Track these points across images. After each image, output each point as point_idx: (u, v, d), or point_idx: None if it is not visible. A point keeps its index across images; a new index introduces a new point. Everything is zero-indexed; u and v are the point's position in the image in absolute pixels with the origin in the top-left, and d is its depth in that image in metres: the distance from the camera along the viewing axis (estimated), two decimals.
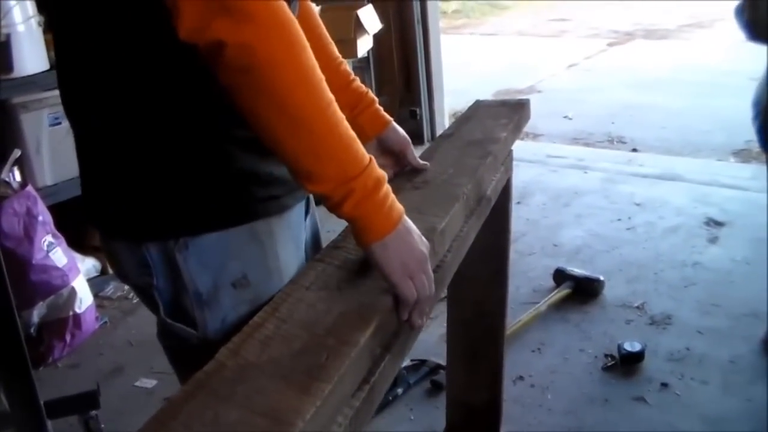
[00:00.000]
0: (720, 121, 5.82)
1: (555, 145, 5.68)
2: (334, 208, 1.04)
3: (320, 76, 0.99)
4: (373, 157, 1.06)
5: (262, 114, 1.00)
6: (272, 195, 1.18)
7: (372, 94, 1.52)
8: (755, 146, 5.13)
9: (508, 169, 1.85)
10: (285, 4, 0.96)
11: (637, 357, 2.72)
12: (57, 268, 3.04)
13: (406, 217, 1.09)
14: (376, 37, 4.73)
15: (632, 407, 2.52)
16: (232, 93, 0.99)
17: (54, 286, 3.04)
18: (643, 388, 2.61)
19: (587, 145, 5.69)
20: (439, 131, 5.63)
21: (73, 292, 3.09)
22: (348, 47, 4.35)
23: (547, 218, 4.14)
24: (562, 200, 4.38)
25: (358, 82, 1.51)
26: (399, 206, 1.09)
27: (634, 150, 5.45)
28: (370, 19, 4.45)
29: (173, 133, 1.10)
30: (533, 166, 5.01)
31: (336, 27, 4.30)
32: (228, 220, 1.14)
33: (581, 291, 3.23)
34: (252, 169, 1.15)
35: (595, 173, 4.82)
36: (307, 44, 0.98)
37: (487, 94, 6.84)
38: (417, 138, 5.34)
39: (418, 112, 5.54)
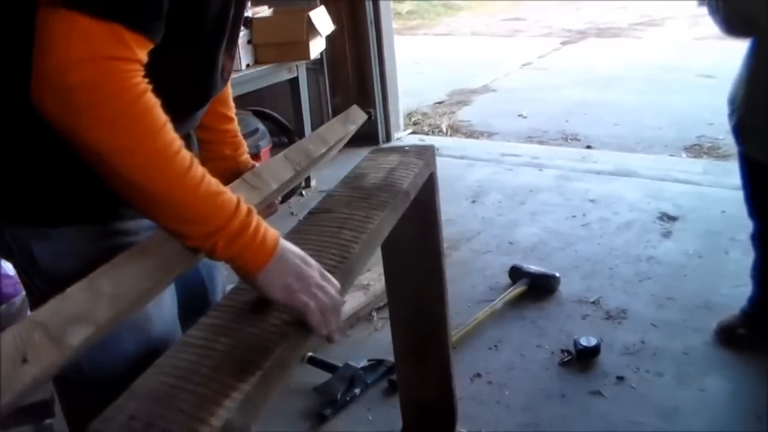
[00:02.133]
0: (672, 117, 5.89)
1: (510, 143, 5.72)
2: (209, 256, 1.10)
3: (174, 150, 1.03)
4: (241, 198, 1.10)
5: (119, 187, 1.05)
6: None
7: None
8: (706, 141, 5.23)
9: (430, 164, 1.82)
10: (133, 78, 0.99)
11: (593, 351, 2.74)
12: (9, 276, 2.97)
13: (282, 242, 1.14)
14: (329, 38, 4.70)
15: (589, 401, 2.54)
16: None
17: (6, 295, 2.97)
18: (600, 382, 2.63)
19: (542, 143, 5.73)
20: (393, 132, 5.63)
21: (26, 301, 3.02)
22: (300, 49, 4.32)
23: (503, 216, 4.15)
24: (518, 198, 4.40)
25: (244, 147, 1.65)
26: (273, 234, 1.13)
27: (588, 147, 5.50)
28: (322, 20, 4.42)
29: (38, 139, 1.14)
30: (488, 164, 5.05)
31: (288, 29, 4.28)
32: (83, 217, 1.24)
33: (537, 288, 3.24)
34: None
35: (550, 171, 4.85)
36: (157, 121, 1.01)
37: (441, 95, 6.85)
38: (372, 139, 5.34)
39: (372, 113, 5.52)
